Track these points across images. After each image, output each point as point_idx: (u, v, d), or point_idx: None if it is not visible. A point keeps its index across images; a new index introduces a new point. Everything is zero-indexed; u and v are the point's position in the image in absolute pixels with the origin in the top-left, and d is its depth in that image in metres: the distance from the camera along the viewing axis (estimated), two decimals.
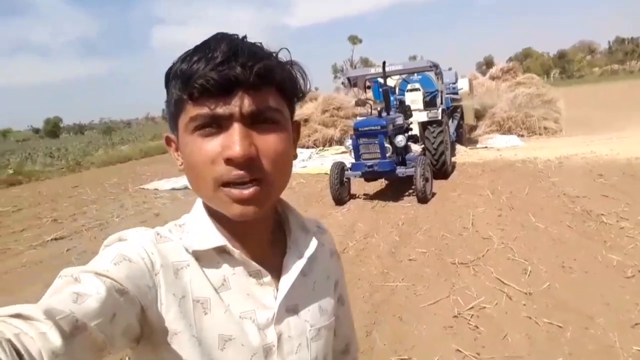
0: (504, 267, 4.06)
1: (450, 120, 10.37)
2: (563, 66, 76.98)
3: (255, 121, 0.61)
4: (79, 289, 0.51)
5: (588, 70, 77.74)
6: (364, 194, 7.69)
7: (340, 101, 16.34)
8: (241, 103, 0.59)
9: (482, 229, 5.16)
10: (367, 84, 9.99)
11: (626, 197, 5.77)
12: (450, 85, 11.25)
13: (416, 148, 8.37)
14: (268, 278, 0.69)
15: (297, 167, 11.45)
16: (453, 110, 11.05)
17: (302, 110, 17.01)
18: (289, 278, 0.71)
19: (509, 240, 4.72)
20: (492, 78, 17.66)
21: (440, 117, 8.36)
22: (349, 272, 4.32)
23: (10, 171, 13.78)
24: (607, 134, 12.05)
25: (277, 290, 0.70)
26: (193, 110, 0.59)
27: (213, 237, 0.67)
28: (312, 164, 11.93)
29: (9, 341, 0.41)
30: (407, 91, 9.85)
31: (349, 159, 7.40)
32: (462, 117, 11.80)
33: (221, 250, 0.67)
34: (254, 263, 0.68)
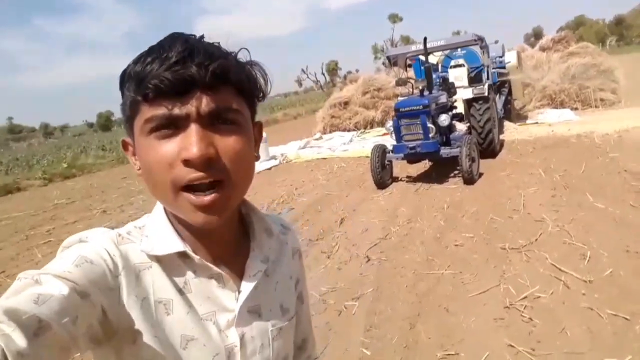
0: (559, 253, 3.76)
1: (498, 96, 9.84)
2: (621, 32, 71.92)
3: (214, 122, 0.60)
4: (40, 290, 0.50)
5: None
6: (407, 177, 7.44)
7: (380, 82, 15.92)
8: (198, 103, 0.58)
9: (535, 211, 4.83)
10: (408, 62, 9.64)
11: None
12: (497, 59, 10.66)
13: (461, 127, 7.99)
14: (229, 281, 0.69)
15: (338, 150, 11.29)
16: (500, 85, 10.48)
17: (342, 93, 16.79)
18: (250, 281, 0.71)
19: (564, 222, 4.38)
20: (543, 49, 16.68)
21: (486, 93, 7.93)
22: (392, 260, 4.15)
23: (65, 165, 14.43)
24: None
25: (239, 292, 0.70)
26: (148, 112, 0.58)
27: (172, 242, 0.66)
28: (354, 147, 11.71)
29: None
30: (451, 67, 9.39)
31: (390, 141, 7.15)
32: (510, 93, 11.19)
33: (182, 254, 0.66)
34: (214, 267, 0.68)
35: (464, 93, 8.19)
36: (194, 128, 0.58)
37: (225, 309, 0.69)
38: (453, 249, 4.24)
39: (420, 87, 7.13)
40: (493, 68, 9.78)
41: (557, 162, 6.81)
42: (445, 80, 8.64)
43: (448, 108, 7.49)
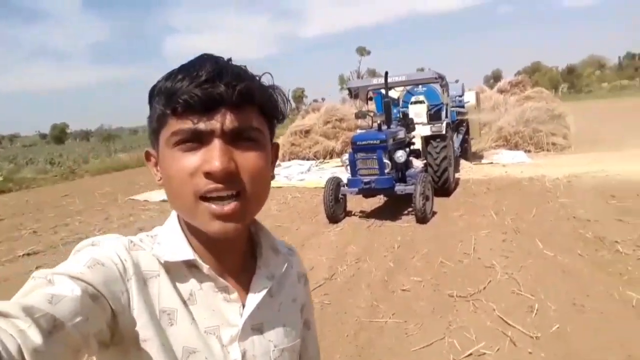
0: (507, 303, 3.61)
1: (455, 135, 9.94)
2: (572, 81, 76.28)
3: (236, 139, 0.62)
4: (53, 291, 0.51)
5: (597, 85, 76.93)
6: (361, 211, 7.26)
7: (343, 112, 15.93)
8: (223, 120, 0.60)
9: (485, 256, 4.71)
10: (370, 95, 9.61)
11: None
12: (457, 98, 10.84)
13: (418, 163, 7.95)
14: (235, 295, 0.70)
15: (294, 179, 11.06)
16: (458, 124, 10.61)
17: (304, 121, 16.69)
18: (256, 297, 0.72)
19: (513, 269, 4.26)
20: (500, 91, 17.28)
21: (444, 131, 7.94)
22: (336, 304, 3.89)
23: (0, 178, 13.44)
24: (618, 151, 11.57)
25: (244, 307, 0.70)
26: (175, 125, 0.61)
27: (184, 250, 0.67)
28: (311, 177, 11.51)
29: None
30: (411, 103, 9.44)
31: (347, 174, 6.98)
32: (467, 132, 11.37)
33: (190, 265, 0.68)
34: (221, 279, 0.69)
35: (423, 130, 8.18)
36: (217, 143, 0.60)
37: (229, 323, 0.69)
38: (400, 294, 4.02)
39: (379, 122, 7.05)
40: (452, 107, 9.90)
41: (509, 204, 6.81)
42: (405, 115, 8.65)
43: (406, 144, 7.43)
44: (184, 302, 0.66)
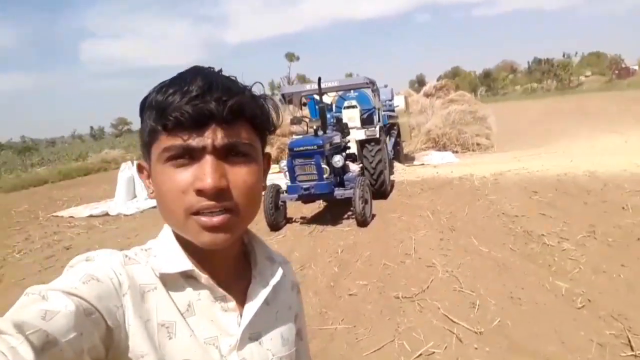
0: (450, 301, 3.74)
1: (388, 138, 10.22)
2: (489, 84, 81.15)
3: (227, 154, 0.62)
4: (47, 307, 0.50)
5: (511, 88, 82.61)
6: (301, 217, 7.24)
7: None
8: (214, 136, 0.60)
9: (425, 255, 4.86)
10: (303, 100, 9.64)
11: (563, 215, 5.73)
12: (387, 102, 11.17)
13: (354, 167, 8.06)
14: (233, 304, 0.70)
15: None
16: (390, 127, 10.93)
17: None
18: (253, 305, 0.71)
19: (453, 267, 4.43)
20: (426, 95, 18.00)
21: (378, 135, 8.13)
22: None
23: None
24: (534, 149, 12.49)
25: (241, 317, 0.70)
26: (167, 141, 0.61)
27: (181, 261, 0.67)
28: None
29: None
30: (344, 108, 9.55)
31: (285, 181, 6.93)
32: (399, 134, 11.74)
33: (187, 276, 0.68)
34: (219, 288, 0.69)
35: (357, 134, 8.32)
36: (208, 160, 0.60)
37: (228, 333, 0.69)
38: (347, 299, 4.03)
39: (315, 127, 7.07)
40: (383, 111, 10.17)
41: (442, 204, 7.10)
42: (339, 120, 8.73)
43: (342, 148, 7.51)
44: (182, 314, 0.66)
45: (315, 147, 6.47)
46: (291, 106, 9.27)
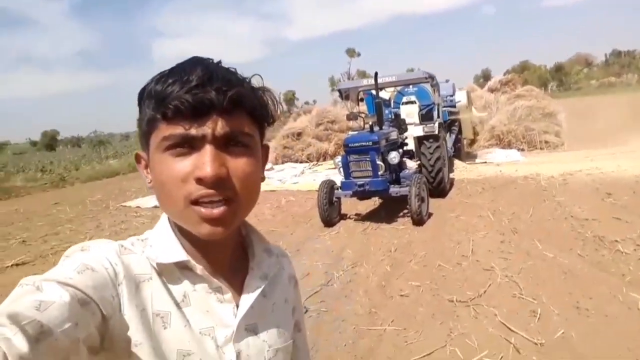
0: (509, 308, 3.52)
1: (448, 135, 9.88)
2: (560, 79, 76.57)
3: (227, 144, 0.62)
4: (41, 297, 0.50)
5: (585, 82, 77.42)
6: (356, 214, 7.15)
7: (335, 114, 15.81)
8: (214, 126, 0.60)
9: (483, 258, 4.62)
10: (361, 96, 9.51)
11: None
12: (448, 97, 10.77)
13: (411, 164, 7.85)
14: (229, 295, 0.70)
15: (288, 182, 10.93)
16: (450, 123, 10.56)
17: (295, 124, 16.55)
18: (249, 297, 0.72)
19: (513, 272, 4.18)
20: (491, 90, 17.26)
21: (437, 132, 7.85)
22: (332, 311, 3.78)
23: None
24: (610, 148, 11.57)
25: (237, 308, 0.70)
26: (166, 130, 0.61)
27: (176, 251, 0.67)
28: (304, 179, 11.39)
29: None
30: (402, 104, 9.33)
31: (340, 176, 6.87)
32: (460, 131, 11.31)
33: (183, 266, 0.67)
34: (215, 280, 0.69)
35: (415, 130, 8.10)
36: (208, 149, 0.60)
37: (224, 324, 0.69)
38: (398, 299, 3.92)
39: (371, 123, 6.95)
40: (444, 106, 9.83)
41: (505, 204, 6.74)
42: (397, 116, 8.56)
43: (399, 145, 7.34)
44: (178, 305, 0.66)
45: (371, 143, 6.36)
46: (349, 102, 9.19)
